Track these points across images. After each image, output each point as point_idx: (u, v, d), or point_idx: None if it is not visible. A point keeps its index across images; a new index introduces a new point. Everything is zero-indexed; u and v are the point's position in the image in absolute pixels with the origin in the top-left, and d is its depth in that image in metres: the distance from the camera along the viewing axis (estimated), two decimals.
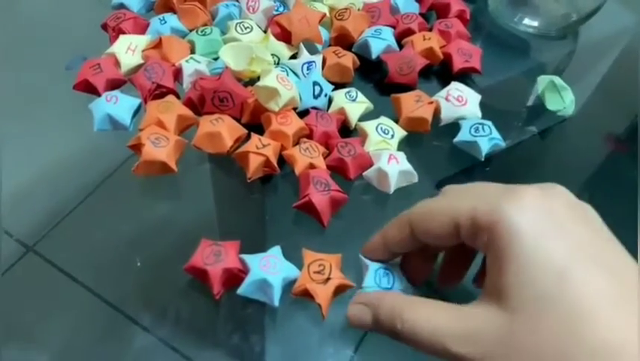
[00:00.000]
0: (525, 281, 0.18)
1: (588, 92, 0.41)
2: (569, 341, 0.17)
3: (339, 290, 0.26)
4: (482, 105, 0.35)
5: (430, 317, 0.20)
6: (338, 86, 0.36)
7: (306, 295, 0.26)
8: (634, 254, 0.19)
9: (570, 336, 0.17)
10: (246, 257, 0.26)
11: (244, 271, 0.26)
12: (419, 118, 0.34)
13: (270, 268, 0.26)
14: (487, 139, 0.33)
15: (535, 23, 0.43)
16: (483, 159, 0.33)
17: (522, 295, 0.18)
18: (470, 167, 0.34)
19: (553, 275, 0.17)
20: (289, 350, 0.27)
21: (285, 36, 0.36)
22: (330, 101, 0.35)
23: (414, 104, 0.34)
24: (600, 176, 0.36)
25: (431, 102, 0.34)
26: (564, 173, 0.36)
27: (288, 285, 0.27)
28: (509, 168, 0.36)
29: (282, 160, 0.32)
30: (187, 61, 0.35)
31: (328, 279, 0.26)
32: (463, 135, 0.34)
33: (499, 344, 0.18)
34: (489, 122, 0.34)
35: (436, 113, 0.35)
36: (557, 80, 0.37)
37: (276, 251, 0.27)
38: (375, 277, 0.25)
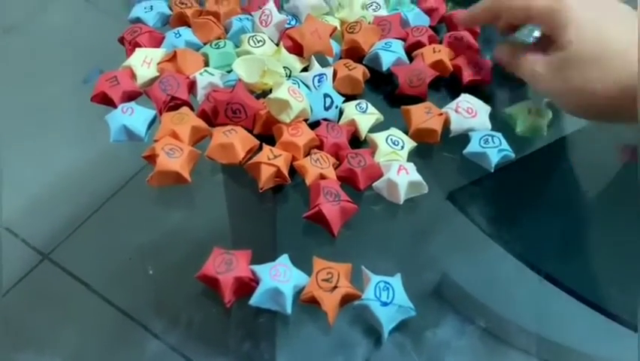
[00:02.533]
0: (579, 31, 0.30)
1: None
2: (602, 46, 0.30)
3: (347, 299, 0.27)
4: (492, 117, 0.36)
5: None
6: (349, 98, 0.36)
7: (314, 302, 0.26)
8: None
9: (603, 47, 0.30)
10: (256, 268, 0.27)
11: (255, 280, 0.27)
12: (429, 129, 0.34)
13: (280, 277, 0.26)
14: (497, 150, 0.33)
15: (539, 33, 0.43)
16: (492, 170, 0.34)
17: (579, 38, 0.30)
18: (480, 178, 0.34)
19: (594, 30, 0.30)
20: (299, 357, 0.27)
21: (296, 49, 0.37)
22: (340, 112, 0.35)
23: (424, 115, 0.34)
24: (614, 187, 0.36)
25: (441, 114, 0.35)
26: (576, 184, 0.36)
27: (299, 292, 0.27)
28: (520, 179, 0.36)
29: (293, 171, 0.32)
30: (201, 74, 0.36)
31: (335, 287, 0.26)
32: (472, 147, 0.34)
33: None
34: (499, 134, 0.34)
35: (446, 124, 0.35)
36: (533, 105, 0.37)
37: (284, 260, 0.27)
38: (375, 291, 0.26)
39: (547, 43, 0.32)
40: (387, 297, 0.26)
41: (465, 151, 0.34)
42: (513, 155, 0.34)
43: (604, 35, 0.30)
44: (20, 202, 0.33)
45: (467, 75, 0.37)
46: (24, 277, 0.30)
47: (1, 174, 0.34)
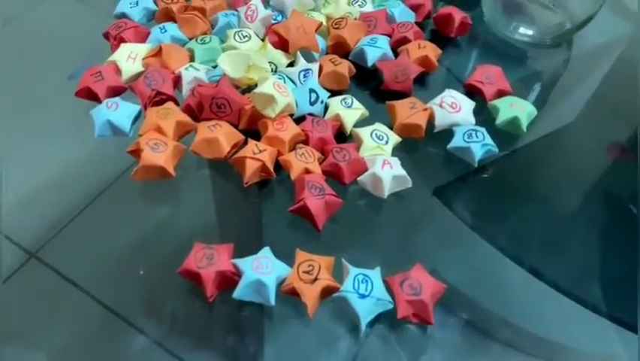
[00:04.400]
0: None
1: (584, 100, 0.42)
2: None
3: (327, 292, 0.27)
4: (478, 113, 0.36)
5: None
6: (334, 93, 0.36)
7: (294, 293, 0.26)
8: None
9: None
10: (238, 261, 0.27)
11: (237, 273, 0.27)
12: (413, 125, 0.34)
13: (262, 269, 0.26)
14: (480, 145, 0.33)
15: (530, 32, 0.43)
16: (476, 165, 0.34)
17: None
18: (466, 173, 0.35)
19: None
20: (284, 351, 0.27)
21: (282, 44, 0.37)
22: (326, 107, 0.35)
23: (408, 110, 0.34)
24: (601, 183, 0.36)
25: (425, 109, 0.35)
26: (562, 180, 0.36)
27: (282, 284, 0.27)
28: (507, 174, 0.36)
29: (279, 166, 0.32)
30: (186, 69, 0.35)
31: (316, 279, 0.26)
32: (456, 142, 0.34)
33: None
34: (482, 129, 0.34)
35: (431, 119, 0.35)
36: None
37: (266, 252, 0.27)
38: (354, 283, 0.26)
39: None
40: (366, 289, 0.26)
41: (449, 146, 0.34)
42: (497, 150, 0.34)
43: None
44: (6, 200, 0.32)
45: (489, 93, 0.37)
46: (10, 276, 0.30)
47: None
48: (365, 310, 0.26)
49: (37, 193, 0.33)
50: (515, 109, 0.36)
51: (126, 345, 0.27)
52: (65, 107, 0.37)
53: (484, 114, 0.37)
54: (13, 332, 0.28)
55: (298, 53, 0.37)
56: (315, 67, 0.36)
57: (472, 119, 0.35)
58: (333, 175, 0.32)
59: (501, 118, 0.36)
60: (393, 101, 0.35)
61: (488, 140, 0.34)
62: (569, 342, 0.29)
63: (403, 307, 0.26)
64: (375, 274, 0.27)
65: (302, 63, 0.36)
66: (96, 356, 0.27)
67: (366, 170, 0.32)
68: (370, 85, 0.38)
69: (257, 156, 0.31)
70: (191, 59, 0.37)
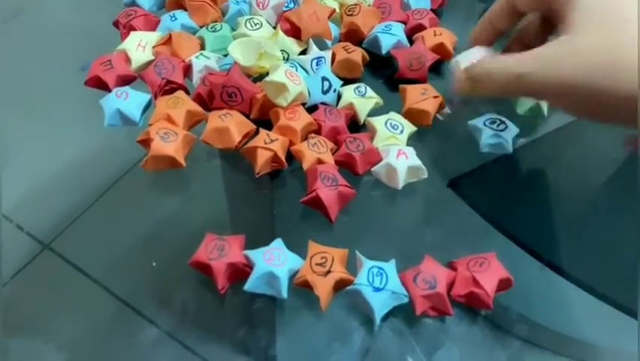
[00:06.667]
0: (587, 11, 0.26)
1: None
2: (615, 28, 0.25)
3: (340, 284, 0.26)
4: (497, 101, 0.35)
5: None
6: (348, 81, 0.36)
7: (307, 286, 0.26)
8: None
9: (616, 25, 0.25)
10: (250, 253, 0.26)
11: (249, 265, 0.26)
12: (421, 110, 0.33)
13: (274, 261, 0.25)
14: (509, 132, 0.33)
15: None
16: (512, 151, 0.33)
17: (585, 19, 0.25)
18: (481, 165, 0.34)
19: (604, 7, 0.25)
20: (296, 344, 0.27)
21: (294, 32, 0.36)
22: (339, 96, 0.35)
23: (419, 96, 0.33)
24: (618, 175, 0.36)
25: (436, 96, 0.34)
26: (579, 172, 0.36)
27: (294, 276, 0.27)
28: (522, 167, 0.35)
29: (291, 156, 0.32)
30: (197, 57, 0.35)
31: (329, 272, 0.26)
32: (487, 139, 0.33)
33: (565, 55, 0.25)
34: (503, 117, 0.34)
35: (441, 107, 0.34)
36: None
37: (278, 243, 0.27)
38: (368, 276, 0.25)
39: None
40: (380, 283, 0.25)
41: (482, 145, 0.33)
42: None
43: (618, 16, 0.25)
44: (21, 192, 0.32)
45: None
46: (24, 267, 0.30)
47: (1, 164, 0.34)
48: (380, 304, 0.25)
49: (49, 184, 0.33)
50: None
51: (137, 336, 0.27)
52: (75, 97, 0.37)
53: (503, 104, 0.36)
54: (26, 322, 0.28)
55: (311, 40, 0.36)
56: (327, 55, 0.35)
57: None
58: (346, 165, 0.31)
59: (522, 107, 0.35)
60: (406, 84, 0.35)
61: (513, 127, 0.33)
62: (588, 338, 0.28)
63: (420, 302, 0.26)
64: (390, 267, 0.26)
65: (314, 51, 0.35)
66: (107, 347, 0.27)
67: (380, 160, 0.31)
68: (384, 73, 0.38)
69: (268, 145, 0.30)
70: (202, 47, 0.36)
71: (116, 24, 0.38)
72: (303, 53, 0.36)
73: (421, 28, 0.38)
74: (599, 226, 0.33)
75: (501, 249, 0.31)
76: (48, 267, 0.30)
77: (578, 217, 0.33)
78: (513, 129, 0.33)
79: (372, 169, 0.31)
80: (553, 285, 0.30)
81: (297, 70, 0.34)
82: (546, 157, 0.36)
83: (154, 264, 0.29)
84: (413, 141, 0.33)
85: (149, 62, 0.35)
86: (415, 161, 0.31)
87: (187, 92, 0.34)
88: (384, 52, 0.37)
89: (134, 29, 0.37)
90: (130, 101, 0.33)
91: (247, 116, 0.33)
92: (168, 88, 0.34)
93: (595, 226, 0.33)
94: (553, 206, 0.33)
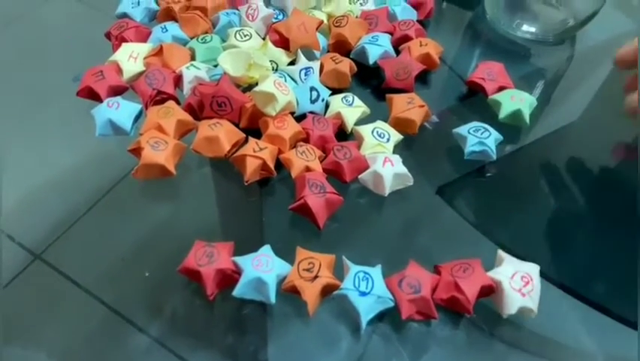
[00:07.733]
0: None
1: (588, 98, 0.41)
2: None
3: (327, 290, 0.27)
4: (483, 109, 0.35)
5: None
6: (336, 91, 0.36)
7: (294, 291, 0.26)
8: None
9: None
10: (238, 259, 0.27)
11: (237, 271, 0.26)
12: (407, 119, 0.34)
13: (262, 267, 0.26)
14: (493, 139, 0.34)
15: (533, 29, 0.43)
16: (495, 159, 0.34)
17: None
18: (468, 172, 0.34)
19: None
20: (285, 349, 0.27)
21: (283, 43, 0.37)
22: (327, 106, 0.35)
23: (405, 105, 0.34)
24: (606, 183, 0.36)
25: (422, 105, 0.35)
26: (567, 179, 0.36)
27: (283, 282, 0.27)
28: (508, 174, 0.36)
29: (280, 164, 0.32)
30: (187, 68, 0.35)
31: (316, 277, 0.26)
32: (471, 147, 0.34)
33: None
34: (487, 125, 0.34)
35: (427, 117, 0.35)
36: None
37: (266, 250, 0.27)
38: (354, 281, 0.26)
39: None
40: (366, 287, 0.26)
41: (466, 153, 0.34)
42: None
43: None
44: (11, 202, 0.33)
45: (490, 89, 0.37)
46: (15, 277, 0.30)
47: None
48: (366, 308, 0.26)
49: (40, 194, 0.33)
50: (516, 101, 0.35)
51: (128, 344, 0.27)
52: (67, 107, 0.37)
53: (487, 112, 0.37)
54: (17, 333, 0.28)
55: (299, 51, 0.36)
56: (316, 65, 0.36)
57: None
58: (333, 173, 0.32)
59: (504, 112, 0.35)
60: (393, 94, 0.35)
61: (495, 133, 0.34)
62: (572, 342, 0.29)
63: (406, 306, 0.26)
64: (375, 272, 0.27)
65: (303, 61, 0.36)
66: (98, 356, 0.27)
67: (367, 168, 0.32)
68: (372, 83, 0.38)
69: (257, 154, 0.31)
70: (192, 58, 0.37)
71: (107, 35, 0.39)
72: (292, 63, 0.37)
73: (407, 38, 0.39)
74: (586, 232, 0.33)
75: (486, 254, 0.31)
76: (39, 277, 0.30)
77: (565, 224, 0.33)
78: (497, 136, 0.34)
79: (360, 176, 0.32)
80: (540, 290, 0.30)
81: (285, 80, 0.35)
82: (532, 164, 0.37)
83: (147, 274, 0.30)
84: (400, 149, 0.34)
85: (141, 73, 0.36)
86: (401, 168, 0.32)
87: (177, 102, 0.35)
88: (371, 62, 0.38)
89: (126, 41, 0.37)
90: (121, 111, 0.33)
91: (237, 126, 0.33)
92: (159, 98, 0.35)
93: (582, 233, 0.33)
94: (540, 213, 0.34)
